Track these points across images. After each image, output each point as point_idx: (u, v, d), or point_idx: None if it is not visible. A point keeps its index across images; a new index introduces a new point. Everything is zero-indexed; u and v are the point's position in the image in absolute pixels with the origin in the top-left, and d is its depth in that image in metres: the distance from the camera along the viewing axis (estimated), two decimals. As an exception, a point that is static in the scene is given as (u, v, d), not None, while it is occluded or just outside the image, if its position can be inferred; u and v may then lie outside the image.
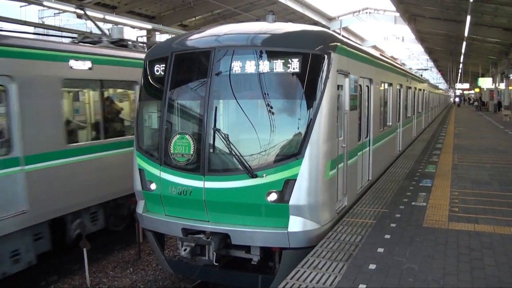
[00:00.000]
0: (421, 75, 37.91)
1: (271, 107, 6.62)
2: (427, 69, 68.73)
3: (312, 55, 6.67)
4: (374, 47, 51.54)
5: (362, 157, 9.42)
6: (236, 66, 6.73)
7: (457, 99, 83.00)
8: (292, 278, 5.33)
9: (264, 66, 6.63)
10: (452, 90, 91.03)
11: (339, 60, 7.15)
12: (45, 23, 25.61)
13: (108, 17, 21.50)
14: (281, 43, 6.95)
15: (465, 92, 79.47)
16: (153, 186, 7.23)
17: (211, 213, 6.84)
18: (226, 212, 6.76)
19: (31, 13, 28.14)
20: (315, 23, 36.14)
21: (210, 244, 6.69)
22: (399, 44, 55.05)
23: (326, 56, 6.76)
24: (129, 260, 10.16)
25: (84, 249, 8.49)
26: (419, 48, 56.62)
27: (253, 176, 6.45)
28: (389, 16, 42.12)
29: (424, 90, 25.45)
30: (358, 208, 8.26)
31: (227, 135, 6.66)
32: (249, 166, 6.49)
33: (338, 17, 42.86)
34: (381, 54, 14.05)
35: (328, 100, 6.67)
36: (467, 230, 7.04)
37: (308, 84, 6.62)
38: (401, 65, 19.53)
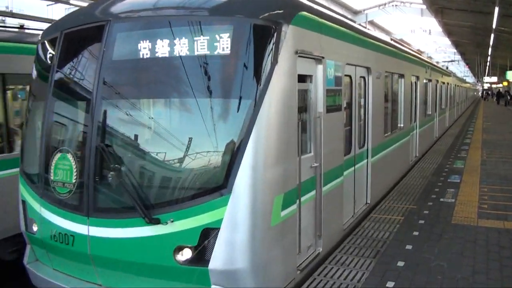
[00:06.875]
0: (447, 67, 37.24)
1: (185, 111, 4.56)
2: (454, 61, 67.65)
3: (251, 27, 4.34)
4: (401, 40, 50.88)
5: (353, 176, 7.28)
6: (136, 47, 4.49)
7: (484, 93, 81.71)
8: (320, 274, 5.35)
9: (176, 46, 4.35)
10: (480, 84, 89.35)
11: (300, 36, 4.88)
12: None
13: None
14: (204, 8, 4.63)
15: (493, 85, 77.72)
16: (35, 227, 5.13)
17: (102, 274, 4.67)
18: (122, 273, 4.56)
19: (58, 11, 28.64)
20: (340, 16, 35.81)
21: None
22: (426, 37, 54.22)
23: (274, 28, 4.41)
24: None
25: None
26: (446, 41, 55.67)
27: (153, 221, 4.21)
28: (416, 9, 41.47)
29: (449, 83, 23.46)
30: (385, 204, 8.23)
31: (118, 156, 4.48)
32: (145, 206, 4.25)
33: (364, 10, 42.41)
34: (392, 39, 11.98)
35: (276, 98, 4.37)
36: (496, 228, 6.97)
37: (241, 73, 4.30)
38: (418, 53, 16.83)
